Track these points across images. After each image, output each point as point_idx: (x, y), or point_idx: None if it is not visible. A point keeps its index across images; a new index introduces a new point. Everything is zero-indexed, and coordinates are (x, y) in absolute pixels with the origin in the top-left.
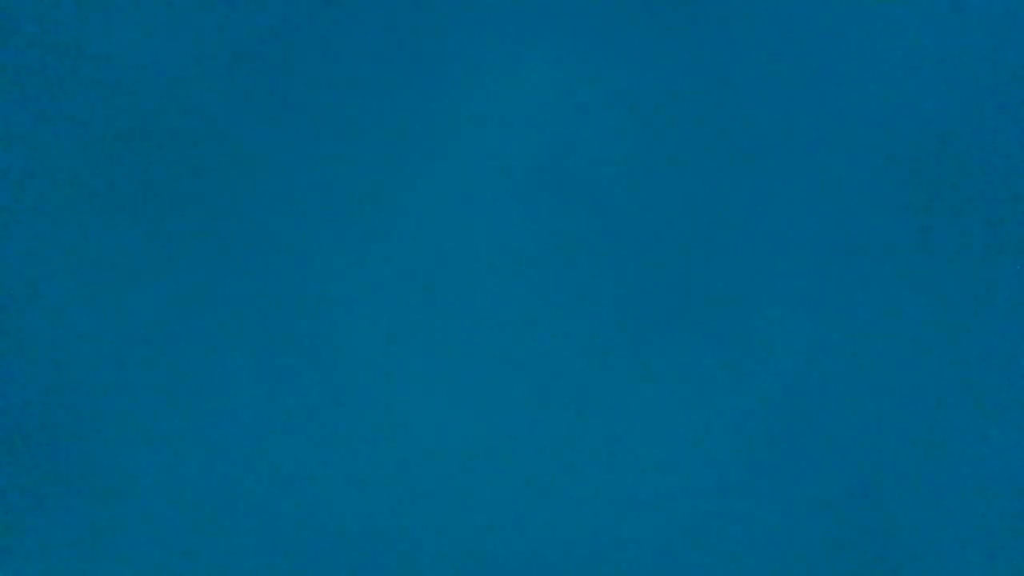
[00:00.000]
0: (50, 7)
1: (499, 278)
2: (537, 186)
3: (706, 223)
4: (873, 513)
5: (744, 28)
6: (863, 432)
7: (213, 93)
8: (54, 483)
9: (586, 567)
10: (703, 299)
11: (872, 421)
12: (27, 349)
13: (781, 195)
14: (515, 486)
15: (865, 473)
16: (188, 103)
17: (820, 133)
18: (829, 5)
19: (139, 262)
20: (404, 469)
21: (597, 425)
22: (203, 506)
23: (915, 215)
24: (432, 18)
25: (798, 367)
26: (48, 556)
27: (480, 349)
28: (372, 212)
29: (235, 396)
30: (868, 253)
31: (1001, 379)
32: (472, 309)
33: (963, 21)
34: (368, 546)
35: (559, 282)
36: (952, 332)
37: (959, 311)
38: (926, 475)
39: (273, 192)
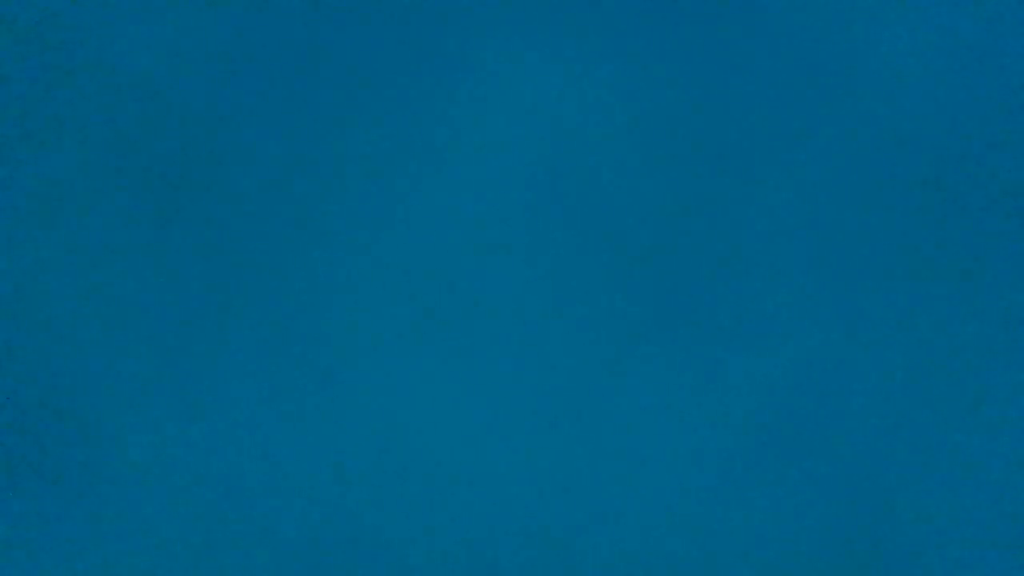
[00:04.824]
0: (52, 7)
1: (500, 279)
2: (539, 187)
3: (708, 225)
4: (875, 514)
5: (746, 30)
6: (866, 433)
7: (214, 94)
8: (54, 480)
9: (588, 568)
10: (705, 301)
11: (875, 423)
12: (28, 347)
13: (783, 197)
14: (516, 486)
15: (867, 474)
16: (188, 103)
17: (822, 135)
18: (830, 6)
19: (140, 260)
20: (405, 468)
21: (598, 427)
22: (203, 504)
23: (917, 217)
24: (433, 18)
25: (800, 369)
26: (48, 552)
27: (481, 350)
28: (373, 212)
29: (236, 395)
30: (870, 255)
31: (1002, 380)
32: (472, 310)
33: (964, 23)
34: (370, 545)
35: (560, 283)
36: (953, 334)
37: (960, 313)
38: (926, 477)
39: (275, 191)
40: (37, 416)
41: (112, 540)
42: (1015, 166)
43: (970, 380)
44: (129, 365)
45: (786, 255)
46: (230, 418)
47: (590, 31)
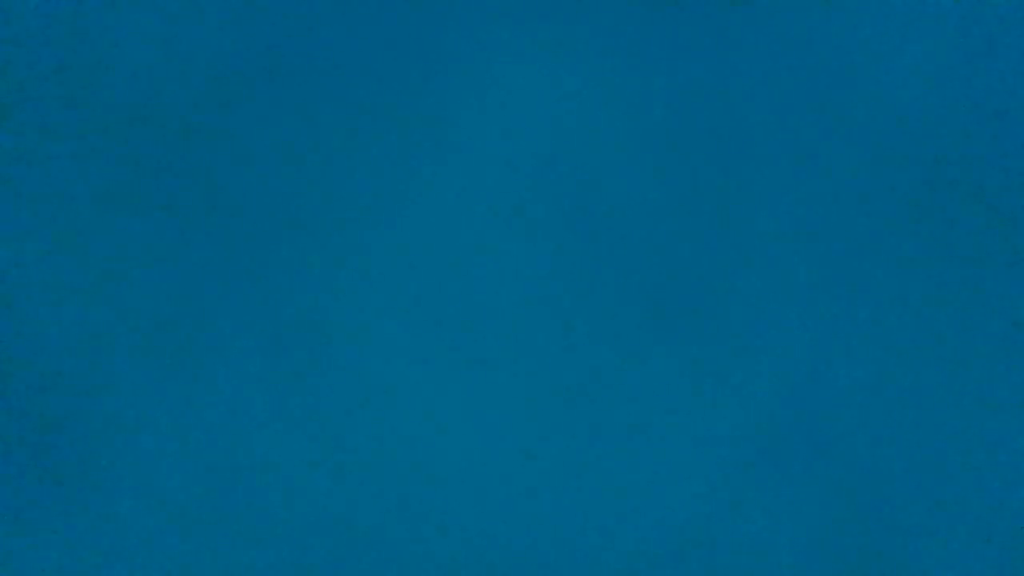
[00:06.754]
0: (53, 5)
1: (499, 279)
2: (539, 187)
3: (709, 226)
4: (874, 516)
5: (746, 30)
6: (866, 435)
7: (214, 94)
8: (52, 480)
9: (588, 569)
10: (707, 302)
11: (878, 424)
12: (26, 346)
13: (783, 197)
14: (516, 486)
15: (867, 476)
16: (186, 102)
17: (821, 135)
18: (830, 6)
19: (140, 258)
20: (405, 468)
21: (598, 427)
22: (202, 505)
23: (916, 218)
24: (434, 17)
25: (800, 370)
26: (46, 552)
27: (481, 352)
28: (374, 211)
29: (236, 393)
30: (870, 256)
31: (1002, 381)
32: (472, 310)
33: (966, 23)
34: (369, 545)
35: (559, 283)
36: (953, 335)
37: (960, 314)
38: (927, 479)
39: (275, 191)
40: (35, 414)
41: (113, 539)
42: (1016, 167)
43: (972, 382)
44: (128, 363)
45: (788, 256)
46: (230, 416)
47: (590, 30)
